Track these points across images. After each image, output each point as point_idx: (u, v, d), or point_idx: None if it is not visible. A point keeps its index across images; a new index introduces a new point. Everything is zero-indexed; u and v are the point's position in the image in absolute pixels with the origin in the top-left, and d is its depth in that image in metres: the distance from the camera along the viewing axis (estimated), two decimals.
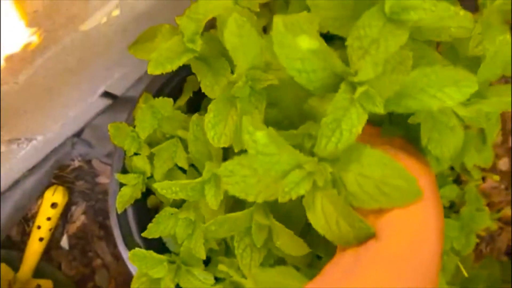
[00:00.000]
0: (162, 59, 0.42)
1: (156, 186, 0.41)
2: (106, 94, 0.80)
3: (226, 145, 0.36)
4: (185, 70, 0.62)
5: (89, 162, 0.89)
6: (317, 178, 0.27)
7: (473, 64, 0.39)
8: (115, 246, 0.89)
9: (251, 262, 0.40)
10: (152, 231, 0.49)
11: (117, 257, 0.87)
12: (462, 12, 0.37)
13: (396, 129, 0.44)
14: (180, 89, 0.60)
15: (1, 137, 0.59)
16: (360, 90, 0.29)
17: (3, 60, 0.43)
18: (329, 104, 0.30)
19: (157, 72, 0.42)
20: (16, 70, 0.46)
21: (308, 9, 0.51)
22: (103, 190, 0.90)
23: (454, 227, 0.48)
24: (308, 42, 0.30)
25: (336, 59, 0.31)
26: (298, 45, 0.29)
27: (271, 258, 0.44)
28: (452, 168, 0.53)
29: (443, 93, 0.31)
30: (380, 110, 0.29)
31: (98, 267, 0.87)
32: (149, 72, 0.41)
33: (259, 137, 0.27)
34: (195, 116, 0.43)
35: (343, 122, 0.29)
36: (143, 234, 0.49)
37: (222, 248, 0.53)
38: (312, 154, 0.29)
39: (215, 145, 0.36)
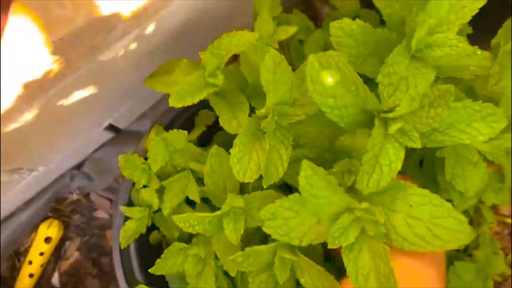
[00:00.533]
0: (183, 93, 0.42)
1: (174, 218, 0.39)
2: (110, 127, 0.79)
3: (251, 180, 0.35)
4: (196, 104, 0.62)
5: (87, 195, 0.87)
6: (367, 225, 0.27)
7: (492, 103, 0.39)
8: (108, 284, 0.85)
9: None
10: (160, 267, 0.47)
11: None
12: (479, 51, 0.38)
13: (410, 170, 0.44)
14: (191, 122, 0.60)
15: (5, 166, 0.57)
16: (394, 126, 0.29)
17: (21, 87, 0.42)
18: (362, 140, 0.30)
19: (179, 105, 0.42)
20: (31, 97, 0.45)
21: (323, 48, 0.52)
22: (100, 225, 0.87)
23: (470, 271, 0.47)
24: (336, 75, 0.31)
25: (369, 95, 0.31)
26: (332, 82, 0.30)
27: None
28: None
29: (472, 128, 0.31)
30: (416, 144, 0.29)
31: None
32: (170, 105, 0.42)
33: (316, 180, 0.26)
34: (215, 148, 0.43)
35: (381, 157, 0.29)
36: (150, 270, 0.47)
37: None
38: (354, 191, 0.28)
39: (240, 180, 0.35)
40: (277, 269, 0.35)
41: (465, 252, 0.51)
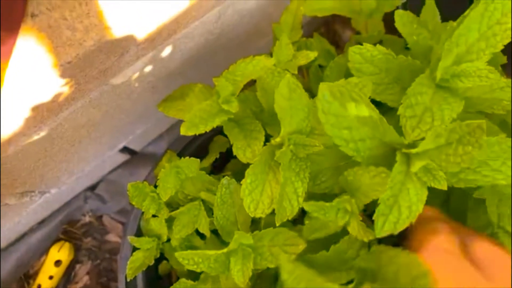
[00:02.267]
0: (196, 120, 0.40)
1: (177, 255, 0.36)
2: (125, 149, 0.78)
3: (263, 215, 0.32)
4: (211, 130, 0.60)
5: (99, 218, 0.85)
6: None
7: None
8: None
9: None
10: None
11: None
12: None
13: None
14: (205, 148, 0.57)
15: (12, 189, 0.56)
16: (418, 163, 0.26)
17: (29, 110, 0.41)
18: (371, 176, 0.27)
19: (190, 133, 0.40)
20: (40, 121, 0.44)
21: (345, 75, 0.49)
22: (111, 248, 0.85)
23: None
24: (355, 109, 0.28)
25: (388, 128, 0.28)
26: (346, 113, 0.27)
27: None
28: None
29: (508, 166, 0.28)
30: (442, 185, 0.26)
31: None
32: (182, 133, 0.40)
33: (298, 276, 0.24)
34: (226, 179, 0.40)
35: (400, 197, 0.26)
36: None
37: None
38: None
39: (251, 214, 0.32)
40: None
41: None
